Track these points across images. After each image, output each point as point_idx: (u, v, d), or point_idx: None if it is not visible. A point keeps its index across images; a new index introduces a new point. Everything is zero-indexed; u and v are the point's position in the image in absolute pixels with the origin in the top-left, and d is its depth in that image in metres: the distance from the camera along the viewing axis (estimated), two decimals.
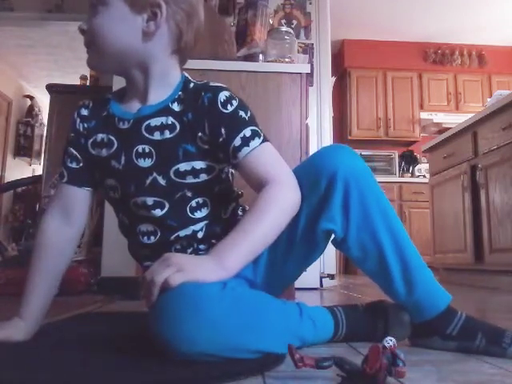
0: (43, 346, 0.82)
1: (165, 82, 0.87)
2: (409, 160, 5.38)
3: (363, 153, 5.23)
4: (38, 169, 6.36)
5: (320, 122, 3.05)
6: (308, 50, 3.17)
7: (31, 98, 6.58)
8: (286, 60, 2.09)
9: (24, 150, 6.46)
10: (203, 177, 0.85)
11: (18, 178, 4.86)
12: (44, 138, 4.33)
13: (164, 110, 0.85)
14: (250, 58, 2.10)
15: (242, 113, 0.83)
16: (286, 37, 2.15)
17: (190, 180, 0.84)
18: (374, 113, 5.36)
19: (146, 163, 0.84)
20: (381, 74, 5.43)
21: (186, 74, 0.91)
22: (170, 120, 0.84)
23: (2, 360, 0.69)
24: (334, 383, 0.61)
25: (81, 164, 0.91)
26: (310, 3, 3.29)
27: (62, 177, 0.92)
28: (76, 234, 0.93)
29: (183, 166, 0.83)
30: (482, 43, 5.47)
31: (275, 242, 0.81)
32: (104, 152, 0.88)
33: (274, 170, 0.82)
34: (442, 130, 4.74)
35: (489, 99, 3.44)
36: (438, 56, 5.50)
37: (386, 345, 0.60)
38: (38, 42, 5.32)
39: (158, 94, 0.86)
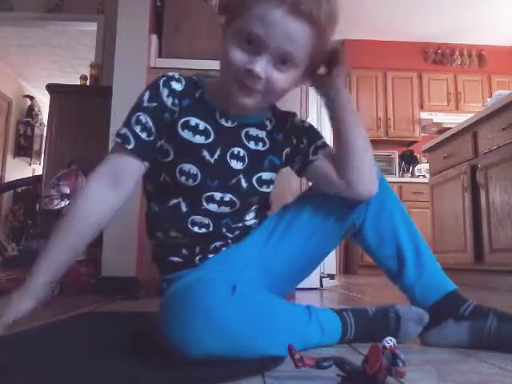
0: (43, 346, 0.82)
1: None
2: (409, 160, 5.38)
3: None
4: (38, 169, 6.36)
5: (320, 122, 3.04)
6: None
7: (31, 98, 6.58)
8: None
9: (24, 149, 6.46)
10: (271, 187, 0.95)
11: (18, 178, 4.86)
12: (44, 138, 4.33)
13: (260, 125, 0.93)
14: None
15: (313, 129, 1.00)
16: None
17: (264, 189, 0.93)
18: (374, 113, 5.36)
19: (237, 165, 0.89)
20: (381, 74, 5.43)
21: None
22: (263, 135, 0.93)
23: (3, 360, 0.69)
24: (334, 383, 0.61)
25: (151, 137, 0.84)
26: None
27: (127, 142, 0.82)
28: (122, 200, 0.84)
29: (265, 175, 0.93)
30: (482, 43, 5.46)
31: (302, 230, 0.95)
32: (198, 138, 0.86)
33: None
34: (441, 130, 4.73)
35: (489, 99, 3.44)
36: (438, 56, 5.50)
37: (386, 345, 0.60)
38: (37, 41, 5.33)
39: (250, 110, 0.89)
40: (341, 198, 0.92)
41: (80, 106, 2.87)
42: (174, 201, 0.88)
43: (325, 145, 0.95)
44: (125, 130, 0.83)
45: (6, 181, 5.72)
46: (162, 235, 0.91)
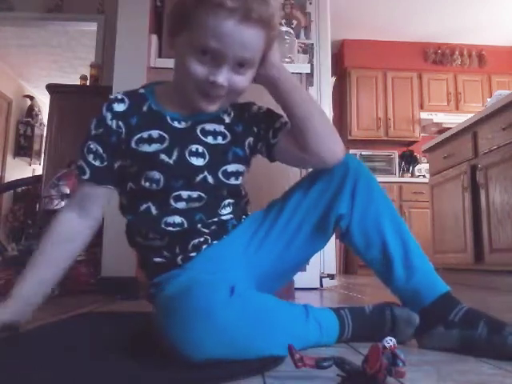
0: (43, 346, 0.82)
1: None
2: (409, 160, 5.38)
3: (363, 153, 5.23)
4: (38, 169, 6.36)
5: None
6: (308, 50, 3.17)
7: (31, 98, 6.58)
8: (286, 60, 2.09)
9: (24, 149, 6.46)
10: (240, 179, 0.96)
11: (18, 178, 4.86)
12: (44, 138, 4.33)
13: (216, 119, 0.94)
14: None
15: (271, 113, 0.99)
16: (286, 37, 2.16)
17: (232, 181, 0.94)
18: (374, 113, 5.36)
19: (198, 162, 0.90)
20: (381, 74, 5.43)
21: None
22: (222, 129, 0.94)
23: (2, 361, 0.69)
24: (334, 383, 0.61)
25: (105, 163, 0.90)
26: (310, 3, 3.29)
27: (82, 173, 0.91)
28: (90, 226, 0.94)
29: (231, 168, 0.93)
30: (482, 43, 5.46)
31: (285, 228, 0.95)
32: (154, 146, 0.89)
33: None
34: (441, 130, 4.73)
35: (489, 99, 3.44)
36: (438, 56, 5.50)
37: (386, 345, 0.60)
38: (37, 41, 5.33)
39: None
40: (321, 193, 0.93)
41: (80, 106, 2.87)
42: (144, 206, 0.91)
43: (282, 126, 0.96)
44: (80, 162, 0.91)
45: (5, 181, 5.72)
46: (141, 239, 0.93)
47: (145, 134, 0.89)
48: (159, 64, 2.16)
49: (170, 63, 2.09)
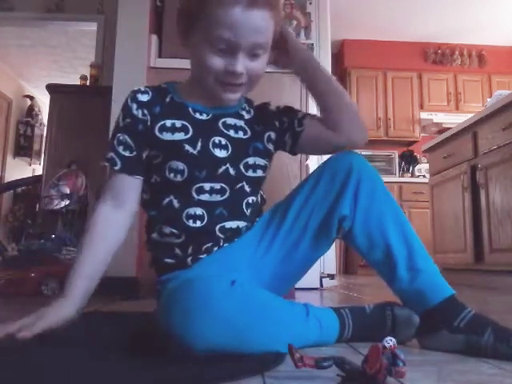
0: (43, 345, 0.82)
1: None
2: (409, 160, 5.38)
3: (363, 153, 5.22)
4: (38, 169, 6.36)
5: None
6: (308, 49, 3.17)
7: (31, 98, 6.58)
8: None
9: (24, 149, 6.46)
10: (259, 172, 0.97)
11: (18, 178, 4.86)
12: (44, 138, 4.33)
13: (236, 115, 0.97)
14: None
15: (291, 108, 1.03)
16: None
17: (250, 173, 0.95)
18: (374, 113, 5.36)
19: (221, 153, 0.92)
20: (381, 74, 5.43)
21: None
22: (242, 124, 0.97)
23: (5, 360, 0.69)
24: (334, 383, 0.61)
25: (134, 152, 0.91)
26: (310, 3, 3.28)
27: (114, 164, 0.91)
28: (128, 218, 0.93)
29: (251, 160, 0.96)
30: (482, 43, 5.46)
31: (290, 231, 0.94)
32: (178, 135, 0.90)
33: None
34: (441, 130, 4.73)
35: (489, 99, 3.44)
36: (438, 56, 5.50)
37: (386, 345, 0.60)
38: (37, 41, 5.33)
39: (227, 103, 0.95)
40: (324, 194, 0.92)
41: (80, 105, 2.87)
42: (167, 199, 0.91)
43: (305, 115, 1.00)
44: (110, 154, 0.91)
45: (5, 181, 5.72)
46: (157, 235, 0.93)
47: (168, 122, 0.91)
48: (159, 64, 2.16)
49: (170, 63, 2.12)
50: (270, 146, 1.00)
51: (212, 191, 0.90)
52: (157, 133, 0.90)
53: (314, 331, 0.81)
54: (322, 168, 0.97)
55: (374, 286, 2.78)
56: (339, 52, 5.56)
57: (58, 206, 2.56)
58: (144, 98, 0.92)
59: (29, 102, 6.57)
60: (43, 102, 6.48)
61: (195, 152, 0.90)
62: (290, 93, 2.04)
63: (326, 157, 1.01)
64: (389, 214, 0.90)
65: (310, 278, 2.26)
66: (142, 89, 0.93)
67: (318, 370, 0.62)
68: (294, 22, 3.26)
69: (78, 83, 3.50)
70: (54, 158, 2.92)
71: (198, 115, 0.93)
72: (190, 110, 0.93)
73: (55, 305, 0.82)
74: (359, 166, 0.92)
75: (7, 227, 5.83)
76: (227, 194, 0.92)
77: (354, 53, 5.44)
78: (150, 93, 0.93)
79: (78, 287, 0.86)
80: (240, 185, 0.94)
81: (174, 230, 0.91)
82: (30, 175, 5.81)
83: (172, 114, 0.92)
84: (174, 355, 0.69)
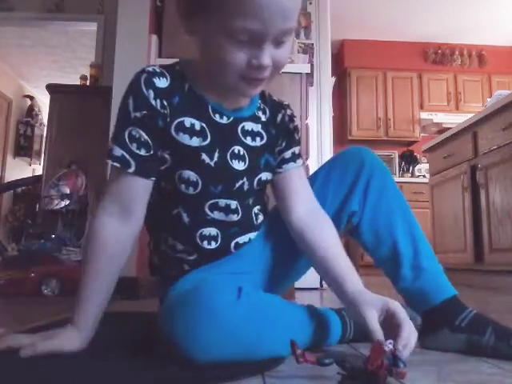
0: None
1: None
2: (409, 160, 5.38)
3: None
4: (38, 169, 6.36)
5: (320, 122, 3.04)
6: (308, 50, 3.17)
7: (31, 98, 6.58)
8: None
9: (24, 149, 6.46)
10: (264, 184, 0.89)
11: (18, 178, 4.86)
12: (44, 138, 4.33)
13: (253, 117, 0.85)
14: None
15: (296, 133, 0.92)
16: None
17: (258, 188, 0.86)
18: (374, 113, 5.36)
19: (240, 166, 0.81)
20: (381, 74, 5.43)
21: None
22: (259, 128, 0.85)
23: (5, 360, 0.69)
24: (334, 382, 0.61)
25: (151, 151, 0.75)
26: (310, 3, 3.28)
27: (126, 165, 0.73)
28: (136, 230, 0.78)
29: (264, 176, 0.86)
30: (482, 43, 5.46)
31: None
32: (195, 141, 0.77)
33: (313, 195, 0.88)
34: (441, 130, 4.73)
35: (489, 99, 3.44)
36: (438, 56, 5.50)
37: (386, 349, 0.60)
38: (38, 41, 5.33)
39: (245, 99, 0.83)
40: (335, 190, 0.89)
41: (80, 105, 2.87)
42: (175, 211, 0.80)
43: (294, 157, 0.89)
44: (121, 152, 0.74)
45: (5, 181, 5.72)
46: (168, 249, 0.84)
47: (186, 122, 0.76)
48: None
49: (169, 63, 2.11)
50: (275, 160, 0.89)
51: (228, 210, 0.82)
52: (173, 132, 0.76)
53: (317, 333, 0.81)
54: (331, 164, 0.94)
55: (374, 286, 2.78)
56: (339, 52, 5.56)
57: (58, 206, 2.56)
58: (162, 83, 0.75)
59: (29, 102, 6.57)
60: (43, 101, 6.48)
61: (212, 163, 0.78)
62: (290, 93, 2.04)
63: (326, 157, 1.00)
64: (397, 211, 0.89)
65: (310, 278, 2.26)
66: (158, 70, 0.75)
67: (319, 370, 0.62)
68: None
69: (78, 83, 3.50)
70: (54, 158, 2.92)
71: (217, 117, 0.79)
72: (210, 109, 0.79)
73: (64, 334, 0.73)
74: (371, 162, 0.90)
75: (7, 227, 5.83)
76: (240, 212, 0.84)
77: (354, 53, 5.44)
78: (169, 76, 0.76)
79: (89, 317, 0.75)
80: (248, 200, 0.86)
81: (187, 248, 0.82)
82: (30, 175, 5.80)
83: (191, 109, 0.77)
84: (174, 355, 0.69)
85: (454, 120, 4.74)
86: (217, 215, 0.81)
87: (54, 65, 5.98)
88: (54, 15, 3.72)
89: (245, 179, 0.82)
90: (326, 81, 3.14)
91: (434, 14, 4.87)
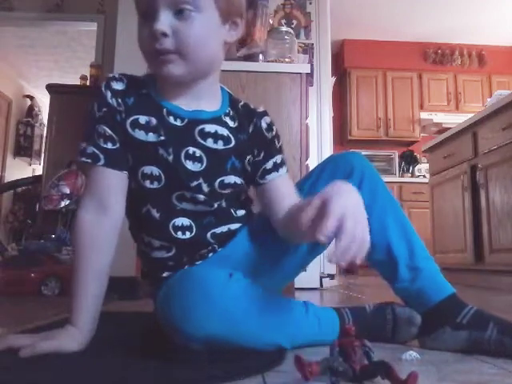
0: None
1: (213, 91, 0.88)
2: (409, 160, 5.38)
3: (363, 153, 5.18)
4: (38, 169, 6.36)
5: (320, 121, 3.04)
6: (308, 50, 3.17)
7: (31, 97, 6.58)
8: (286, 60, 2.09)
9: (24, 150, 6.46)
10: (237, 188, 0.88)
11: (18, 178, 4.86)
12: (44, 138, 4.33)
13: (218, 120, 0.86)
14: (250, 57, 2.10)
15: (277, 141, 0.92)
16: (285, 37, 2.15)
17: (227, 191, 0.86)
18: (374, 113, 5.36)
19: (195, 167, 0.82)
20: (381, 74, 5.43)
21: (226, 88, 0.92)
22: (226, 132, 0.85)
23: (3, 360, 0.69)
24: None
25: (117, 145, 0.80)
26: (310, 3, 3.29)
27: (96, 159, 0.79)
28: (116, 223, 0.81)
29: (228, 179, 0.86)
30: (482, 43, 5.47)
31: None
32: (151, 136, 0.80)
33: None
34: (441, 130, 4.73)
35: (489, 99, 3.44)
36: (438, 56, 5.50)
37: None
38: (37, 41, 5.33)
39: (210, 102, 0.86)
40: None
41: (80, 106, 2.86)
42: (144, 208, 0.83)
43: (276, 167, 0.89)
44: (92, 149, 0.79)
45: (5, 181, 5.72)
46: (147, 248, 0.86)
47: (141, 119, 0.81)
48: None
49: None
50: (249, 168, 0.89)
51: (197, 202, 0.83)
52: (129, 128, 0.80)
53: (313, 328, 0.82)
54: (322, 167, 0.94)
55: (374, 286, 2.78)
56: (339, 52, 5.56)
57: (58, 206, 2.56)
58: (118, 86, 0.82)
59: (29, 102, 6.57)
60: (43, 102, 6.48)
61: (169, 158, 0.80)
62: (290, 93, 2.04)
63: (325, 157, 1.00)
64: (390, 213, 0.89)
65: (310, 278, 2.26)
66: (117, 76, 0.83)
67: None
68: (294, 22, 3.26)
69: (78, 83, 3.50)
70: (53, 158, 2.93)
71: (171, 119, 0.82)
72: (165, 111, 0.82)
73: (64, 334, 0.75)
74: (361, 165, 0.90)
75: (7, 227, 5.83)
76: (213, 204, 0.85)
77: (354, 53, 5.44)
78: (126, 81, 0.83)
79: (86, 314, 0.77)
80: (219, 202, 0.86)
81: (163, 243, 0.84)
82: (30, 175, 5.81)
83: (146, 108, 0.81)
84: (174, 355, 0.70)
85: (454, 120, 4.74)
86: (185, 205, 0.83)
87: (54, 65, 5.98)
88: (54, 15, 3.72)
89: (201, 180, 0.83)
90: (326, 81, 3.15)
91: (434, 14, 4.87)
